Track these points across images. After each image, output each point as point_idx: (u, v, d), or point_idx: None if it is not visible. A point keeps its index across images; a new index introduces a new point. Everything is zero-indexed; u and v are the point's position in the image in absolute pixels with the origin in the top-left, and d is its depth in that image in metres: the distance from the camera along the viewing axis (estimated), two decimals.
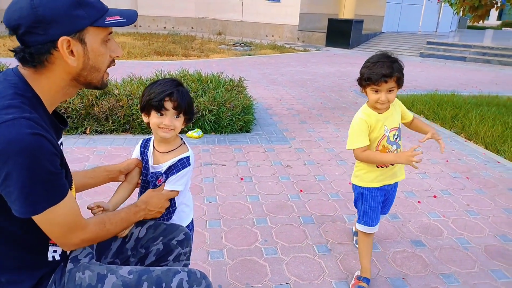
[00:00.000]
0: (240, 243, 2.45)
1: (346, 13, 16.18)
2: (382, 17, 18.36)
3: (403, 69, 1.87)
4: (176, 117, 1.48)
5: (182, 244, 1.49)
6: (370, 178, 2.03)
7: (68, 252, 1.26)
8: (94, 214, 1.40)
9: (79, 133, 4.18)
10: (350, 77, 8.90)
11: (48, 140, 1.00)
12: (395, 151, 1.99)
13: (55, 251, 1.20)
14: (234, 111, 4.53)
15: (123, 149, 3.86)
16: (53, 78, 1.09)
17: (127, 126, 4.33)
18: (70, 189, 1.13)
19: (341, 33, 15.61)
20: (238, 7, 18.67)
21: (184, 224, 1.62)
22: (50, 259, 1.20)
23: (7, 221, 1.05)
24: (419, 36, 17.56)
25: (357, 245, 2.39)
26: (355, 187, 2.12)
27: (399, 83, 1.86)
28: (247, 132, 4.59)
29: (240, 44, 14.26)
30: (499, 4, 6.89)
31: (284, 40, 17.32)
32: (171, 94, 1.44)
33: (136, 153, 1.63)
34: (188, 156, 1.53)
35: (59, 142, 1.14)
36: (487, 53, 13.36)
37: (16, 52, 1.05)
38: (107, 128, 4.26)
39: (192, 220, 1.72)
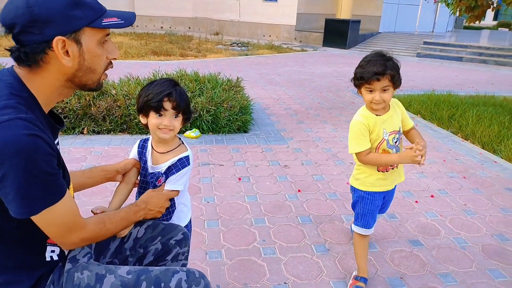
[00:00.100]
0: (238, 243, 2.45)
1: (343, 13, 16.24)
2: (379, 17, 18.41)
3: (398, 67, 1.83)
4: (175, 117, 1.48)
5: (180, 244, 1.49)
6: (371, 181, 2.00)
7: (66, 252, 1.25)
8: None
9: (76, 133, 4.16)
10: (347, 77, 8.88)
11: (44, 141, 0.99)
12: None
13: (53, 251, 1.20)
14: (231, 111, 4.52)
15: (120, 149, 3.85)
16: (48, 78, 1.08)
17: (125, 126, 4.32)
18: (68, 189, 1.13)
19: (338, 33, 15.65)
20: (235, 7, 18.67)
21: (183, 224, 1.62)
22: (48, 259, 1.19)
23: (4, 221, 1.05)
24: (416, 36, 17.62)
25: None
26: (354, 189, 2.08)
27: (394, 81, 1.81)
28: (245, 132, 4.59)
29: (238, 44, 14.26)
30: (495, 5, 6.93)
31: (281, 40, 17.34)
32: (169, 94, 1.43)
33: (133, 153, 1.63)
34: (188, 156, 1.53)
35: (55, 142, 1.14)
36: (483, 53, 13.42)
37: (12, 52, 1.05)
38: (104, 128, 4.25)
39: (190, 220, 1.72)
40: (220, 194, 3.06)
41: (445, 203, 3.11)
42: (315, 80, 8.51)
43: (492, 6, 6.80)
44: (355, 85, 1.90)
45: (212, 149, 4.00)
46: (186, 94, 1.52)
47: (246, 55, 12.27)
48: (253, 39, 17.37)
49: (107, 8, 1.14)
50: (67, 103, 4.15)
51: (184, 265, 1.53)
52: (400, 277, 2.21)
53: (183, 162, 1.51)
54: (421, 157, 1.78)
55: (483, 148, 4.46)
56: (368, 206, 2.03)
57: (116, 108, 4.29)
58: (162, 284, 1.21)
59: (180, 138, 1.61)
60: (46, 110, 1.12)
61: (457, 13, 6.90)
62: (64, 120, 3.71)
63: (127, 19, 1.13)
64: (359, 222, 2.06)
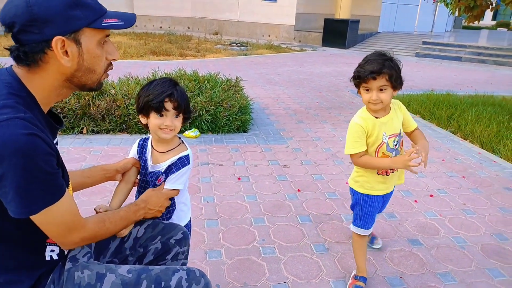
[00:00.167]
0: (238, 242, 2.45)
1: (342, 13, 16.24)
2: (378, 17, 18.42)
3: (398, 68, 1.79)
4: (176, 117, 1.48)
5: (180, 243, 1.49)
6: (371, 184, 1.97)
7: (66, 252, 1.25)
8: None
9: (75, 133, 4.16)
10: (347, 77, 8.91)
11: (43, 140, 0.99)
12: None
13: (52, 251, 1.20)
14: (231, 110, 4.52)
15: (120, 149, 3.85)
16: (47, 78, 1.08)
17: (124, 126, 4.32)
18: (67, 188, 1.13)
19: (337, 33, 15.65)
20: (234, 7, 18.66)
21: (182, 224, 1.62)
22: (48, 258, 1.19)
23: (4, 221, 1.05)
24: (415, 36, 17.64)
25: None
26: (353, 191, 2.05)
27: (392, 81, 1.77)
28: (244, 132, 4.59)
29: (237, 44, 14.26)
30: (494, 5, 6.94)
31: (281, 40, 17.34)
32: (171, 95, 1.43)
33: (133, 153, 1.63)
34: (188, 155, 1.53)
35: (54, 142, 1.14)
36: (482, 53, 13.43)
37: (11, 51, 1.05)
38: (103, 128, 4.24)
39: (190, 220, 1.72)
40: (220, 194, 3.06)
41: (444, 203, 3.11)
42: (314, 80, 8.51)
43: (491, 6, 6.81)
44: (355, 85, 1.88)
45: (212, 149, 4.00)
46: (186, 93, 1.52)
47: (245, 55, 12.27)
48: (252, 39, 17.37)
49: (106, 8, 1.13)
50: (66, 102, 4.14)
51: (184, 264, 1.53)
52: (400, 276, 2.22)
53: (183, 161, 1.51)
54: (422, 160, 1.77)
55: (482, 148, 4.47)
56: (368, 208, 2.02)
57: (116, 108, 4.29)
58: (163, 283, 1.21)
59: (180, 137, 1.61)
60: (45, 109, 1.12)
61: (456, 13, 6.91)
62: (63, 119, 3.72)
63: (128, 20, 1.13)
64: (358, 223, 2.05)
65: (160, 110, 1.43)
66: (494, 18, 39.45)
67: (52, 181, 1.03)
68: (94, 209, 1.42)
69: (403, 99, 6.20)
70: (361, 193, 2.01)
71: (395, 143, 1.91)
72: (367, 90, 1.81)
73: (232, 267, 2.22)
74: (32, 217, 1.03)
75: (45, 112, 1.12)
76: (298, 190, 3.20)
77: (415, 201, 3.11)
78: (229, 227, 2.61)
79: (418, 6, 20.38)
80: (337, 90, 7.43)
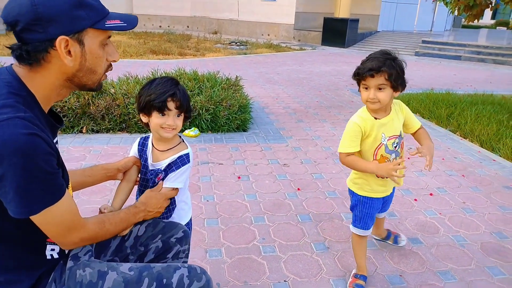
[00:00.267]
0: (238, 241, 2.45)
1: (342, 12, 16.24)
2: (378, 16, 18.42)
3: (400, 68, 1.74)
4: (178, 116, 1.48)
5: (181, 241, 1.50)
6: (371, 187, 1.95)
7: (66, 251, 1.25)
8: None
9: (75, 132, 4.16)
10: (346, 76, 8.92)
11: (44, 140, 0.99)
12: (394, 160, 1.89)
13: (53, 250, 1.20)
14: (230, 110, 4.52)
15: (119, 148, 3.85)
16: (48, 77, 1.08)
17: (124, 125, 4.32)
18: (67, 188, 1.13)
19: (336, 32, 15.65)
20: (233, 6, 18.65)
21: (183, 222, 1.63)
22: (48, 257, 1.19)
23: (4, 221, 1.05)
24: (414, 35, 17.64)
25: None
26: (352, 193, 2.03)
27: (391, 81, 1.72)
28: (244, 131, 4.59)
29: (236, 43, 14.25)
30: (493, 4, 6.95)
31: (280, 39, 17.33)
32: (174, 94, 1.44)
33: (133, 151, 1.63)
34: (188, 153, 1.54)
35: (54, 141, 1.14)
36: (481, 52, 13.44)
37: (13, 49, 1.05)
38: (103, 127, 4.24)
39: (191, 218, 1.73)
40: (220, 193, 3.07)
41: (444, 201, 3.12)
42: (314, 79, 8.51)
43: (490, 5, 6.81)
44: (357, 83, 1.85)
45: (212, 148, 4.00)
46: (187, 93, 1.53)
47: (245, 54, 12.26)
48: (251, 38, 17.36)
49: (108, 10, 1.14)
50: (66, 102, 4.14)
51: (185, 263, 1.53)
52: (400, 274, 2.22)
53: (183, 160, 1.52)
54: (426, 164, 1.77)
55: (481, 147, 4.47)
56: (367, 209, 2.00)
57: (115, 107, 4.29)
58: (164, 280, 1.21)
59: (180, 136, 1.61)
60: (45, 109, 1.12)
61: (456, 12, 6.91)
62: (63, 119, 3.71)
63: (130, 22, 1.14)
64: (357, 224, 2.04)
65: (162, 109, 1.43)
66: (493, 17, 39.48)
67: (53, 181, 1.03)
68: (99, 209, 1.43)
69: (403, 98, 6.20)
70: (360, 195, 1.99)
71: (394, 145, 1.88)
72: (366, 88, 1.78)
73: (233, 266, 2.22)
74: (32, 217, 1.03)
75: (46, 111, 1.12)
76: (298, 189, 3.20)
77: (415, 199, 3.12)
78: (229, 226, 2.62)
79: (417, 5, 20.39)
80: (336, 89, 7.43)
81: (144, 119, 1.51)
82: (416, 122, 1.98)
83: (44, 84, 1.09)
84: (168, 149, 1.54)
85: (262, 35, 18.00)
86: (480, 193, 3.29)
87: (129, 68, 7.52)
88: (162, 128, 1.47)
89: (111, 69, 1.20)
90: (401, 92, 1.81)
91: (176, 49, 11.78)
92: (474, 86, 8.31)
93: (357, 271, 2.14)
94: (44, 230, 1.07)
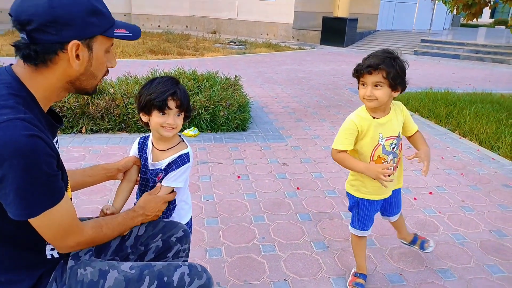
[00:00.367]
0: (238, 240, 2.45)
1: (341, 12, 16.23)
2: (376, 15, 18.42)
3: (401, 68, 1.71)
4: (178, 115, 1.49)
5: (181, 241, 1.50)
6: (368, 189, 1.92)
7: None
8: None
9: (74, 132, 4.16)
10: (345, 75, 8.93)
11: (44, 141, 0.99)
12: (391, 161, 1.87)
13: (52, 249, 1.20)
14: (230, 109, 4.53)
15: (119, 148, 3.85)
16: (51, 79, 1.09)
17: (123, 125, 4.32)
18: (66, 190, 1.13)
19: (335, 31, 15.64)
20: (232, 6, 18.64)
21: (183, 222, 1.63)
22: (49, 257, 1.19)
23: (3, 222, 1.05)
24: (413, 34, 17.65)
25: None
26: (350, 195, 2.01)
27: (389, 79, 1.69)
28: (243, 130, 4.60)
29: (235, 42, 14.25)
30: (492, 2, 6.95)
31: (279, 39, 17.33)
32: (174, 93, 1.44)
33: (133, 151, 1.63)
34: (188, 153, 1.54)
35: (54, 141, 1.14)
36: (480, 51, 13.46)
37: (19, 48, 1.05)
38: (102, 127, 4.24)
39: (191, 218, 1.73)
40: (219, 192, 3.07)
41: (443, 200, 3.12)
42: (313, 78, 8.52)
43: (489, 4, 6.82)
44: (358, 82, 1.83)
45: (211, 148, 4.00)
46: (187, 92, 1.53)
47: (244, 53, 12.26)
48: (250, 37, 17.36)
49: (113, 17, 1.17)
50: (65, 102, 4.14)
51: (185, 261, 1.54)
52: (399, 273, 2.23)
53: (183, 159, 1.52)
54: (423, 170, 1.78)
55: (480, 145, 4.48)
56: (365, 211, 1.98)
57: (115, 107, 4.29)
58: (165, 279, 1.22)
59: (180, 136, 1.61)
60: (45, 109, 1.12)
61: (454, 11, 6.91)
62: (62, 119, 3.71)
63: (134, 32, 1.18)
64: (355, 225, 2.03)
65: (163, 108, 1.44)
66: (492, 16, 39.50)
67: (53, 184, 1.03)
68: (102, 209, 1.44)
69: (402, 97, 6.21)
70: (356, 197, 1.97)
71: (392, 146, 1.85)
72: (364, 85, 1.76)
73: (232, 265, 2.22)
74: (31, 220, 1.02)
75: (45, 111, 1.12)
76: (298, 188, 3.20)
77: (414, 198, 3.12)
78: (229, 225, 2.62)
79: (416, 4, 20.38)
80: (335, 89, 7.44)
81: (144, 118, 1.51)
82: (413, 125, 1.97)
83: (46, 85, 1.09)
84: (168, 149, 1.54)
85: (261, 34, 18.00)
86: (479, 192, 3.30)
87: (128, 68, 7.51)
88: (163, 127, 1.47)
89: (107, 74, 1.23)
90: (401, 92, 1.78)
91: (175, 48, 11.77)
92: (473, 85, 8.32)
93: (357, 269, 2.14)
94: (42, 233, 1.07)
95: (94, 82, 1.18)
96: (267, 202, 2.96)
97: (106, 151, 3.77)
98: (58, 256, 1.22)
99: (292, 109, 5.78)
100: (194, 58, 10.74)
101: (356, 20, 16.11)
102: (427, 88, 7.21)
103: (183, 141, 1.59)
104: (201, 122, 4.42)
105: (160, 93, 1.43)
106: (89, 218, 1.44)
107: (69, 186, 1.23)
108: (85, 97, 4.25)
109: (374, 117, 1.83)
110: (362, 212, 1.99)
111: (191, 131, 4.30)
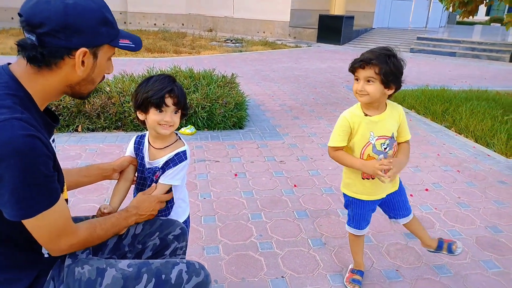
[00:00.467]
0: (235, 238, 2.46)
1: (337, 9, 16.21)
2: (373, 13, 18.42)
3: (396, 66, 1.68)
4: (175, 113, 1.49)
5: (178, 238, 1.50)
6: (358, 188, 1.92)
7: None
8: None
9: (70, 131, 4.14)
10: (342, 73, 8.93)
11: (42, 141, 0.99)
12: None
13: None
14: (227, 107, 4.52)
15: (115, 147, 3.84)
16: (52, 81, 1.10)
17: (119, 123, 4.31)
18: (62, 191, 1.13)
19: (332, 29, 15.64)
20: (229, 4, 18.59)
21: (181, 220, 1.63)
22: (46, 255, 1.19)
23: (0, 223, 1.04)
24: (409, 31, 17.67)
25: None
26: (344, 193, 2.01)
27: (382, 75, 1.66)
28: (240, 128, 4.60)
29: (231, 40, 14.22)
30: (488, 0, 6.97)
31: (275, 37, 17.31)
32: (171, 90, 1.44)
33: (130, 150, 1.63)
34: (185, 150, 1.54)
35: (51, 140, 1.14)
36: (476, 48, 13.50)
37: (24, 48, 1.05)
38: (99, 126, 4.23)
39: (188, 216, 1.73)
40: (217, 190, 3.07)
41: (439, 197, 3.14)
42: (309, 76, 8.52)
43: (485, 1, 6.84)
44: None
45: (208, 146, 4.00)
46: (184, 89, 1.53)
47: (240, 51, 12.24)
48: (247, 35, 17.32)
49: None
50: (61, 100, 4.12)
51: (183, 259, 1.54)
52: (396, 269, 2.24)
53: (180, 157, 1.52)
54: (388, 175, 1.71)
55: (476, 142, 4.51)
56: (359, 210, 1.98)
57: (111, 105, 4.27)
58: (163, 276, 1.22)
59: (177, 134, 1.61)
60: (41, 108, 1.12)
61: (450, 8, 6.92)
62: (59, 118, 3.69)
63: (137, 43, 1.22)
64: (351, 223, 2.03)
65: (160, 105, 1.44)
66: (487, 13, 39.63)
67: (50, 185, 1.03)
68: (99, 209, 1.43)
69: (398, 94, 6.23)
70: (349, 196, 1.98)
71: (384, 146, 1.81)
72: (357, 80, 1.74)
73: (230, 262, 2.23)
74: (25, 221, 1.02)
75: (41, 110, 1.12)
76: (295, 186, 3.21)
77: (411, 195, 3.14)
78: (226, 223, 2.62)
79: (412, 2, 20.41)
80: (332, 86, 7.45)
81: (141, 116, 1.51)
82: (406, 134, 1.91)
83: (46, 87, 1.10)
84: (165, 147, 1.54)
85: (258, 32, 17.97)
86: (475, 188, 3.32)
87: (124, 66, 7.48)
88: (160, 124, 1.47)
89: (103, 80, 1.25)
90: (395, 91, 1.75)
91: (171, 47, 11.74)
92: (469, 82, 8.35)
93: (354, 266, 2.15)
94: (36, 234, 1.06)
95: (92, 87, 1.20)
96: (264, 199, 2.96)
97: (103, 149, 3.76)
98: None
99: (289, 107, 5.79)
100: (190, 56, 10.72)
101: (352, 18, 16.12)
102: (423, 86, 7.23)
103: (179, 139, 1.59)
104: (198, 120, 4.42)
105: (157, 90, 1.43)
106: (86, 217, 1.44)
107: (65, 187, 1.22)
108: None
109: (366, 114, 1.81)
110: (355, 211, 1.99)
111: (188, 129, 4.30)
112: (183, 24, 20.05)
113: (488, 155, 4.10)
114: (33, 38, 1.02)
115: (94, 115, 4.22)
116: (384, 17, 19.21)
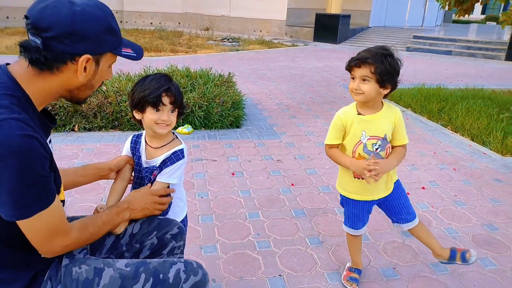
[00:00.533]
0: (233, 237, 2.46)
1: (333, 8, 16.22)
2: (369, 12, 18.45)
3: (392, 66, 1.66)
4: (172, 112, 1.48)
5: (176, 238, 1.50)
6: (350, 188, 1.92)
7: None
8: None
9: (67, 130, 4.13)
10: (338, 71, 8.95)
11: (39, 142, 0.99)
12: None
13: None
14: (224, 106, 4.52)
15: (112, 146, 3.83)
16: (52, 85, 1.10)
17: (116, 122, 4.29)
18: (59, 191, 1.13)
19: (328, 28, 15.66)
20: (225, 2, 18.56)
21: (179, 219, 1.63)
22: (43, 255, 1.19)
23: None
24: (406, 30, 17.71)
25: None
26: (339, 192, 2.02)
27: (377, 74, 1.64)
28: (237, 127, 4.60)
29: (228, 39, 14.20)
30: None
31: (272, 35, 17.30)
32: (168, 89, 1.44)
33: (126, 149, 1.62)
34: (182, 149, 1.54)
35: (47, 140, 1.14)
36: (472, 47, 13.55)
37: (28, 51, 1.04)
38: (95, 125, 4.22)
39: (186, 215, 1.73)
40: (214, 189, 3.07)
41: (436, 195, 3.16)
42: (306, 75, 8.53)
43: (480, 0, 6.86)
44: None
45: (205, 145, 4.00)
46: (180, 88, 1.53)
47: (237, 50, 12.23)
48: (243, 34, 17.31)
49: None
50: (57, 100, 4.10)
51: (181, 258, 1.54)
52: (393, 267, 2.25)
53: (178, 155, 1.52)
54: (371, 175, 1.69)
55: (472, 140, 4.53)
56: (353, 209, 1.98)
57: (107, 104, 4.26)
58: (161, 275, 1.22)
59: (174, 133, 1.61)
60: (39, 109, 1.12)
61: (446, 7, 6.94)
62: (55, 117, 3.68)
63: (138, 53, 1.23)
64: (347, 222, 2.04)
65: (157, 104, 1.43)
66: (483, 12, 39.78)
67: (46, 186, 1.03)
68: (96, 209, 1.43)
69: (394, 93, 6.24)
70: (343, 195, 1.98)
71: (376, 147, 1.79)
72: (353, 78, 1.74)
73: (228, 261, 2.23)
74: (20, 221, 1.01)
75: (39, 110, 1.12)
76: (292, 185, 3.22)
77: (408, 193, 3.11)
78: (224, 222, 2.62)
79: (408, 1, 20.46)
80: (329, 85, 7.46)
81: (137, 116, 1.51)
82: (402, 138, 1.84)
83: (45, 90, 1.10)
84: (162, 146, 1.54)
85: (254, 31, 17.96)
86: (471, 186, 3.33)
87: (121, 65, 7.44)
88: (157, 124, 1.46)
89: (102, 86, 1.25)
90: (390, 91, 1.73)
91: (167, 46, 11.71)
92: (464, 81, 8.38)
93: (351, 264, 2.16)
94: (29, 235, 1.06)
95: (90, 93, 1.21)
96: (262, 198, 2.96)
97: (99, 149, 3.75)
98: None
99: (286, 105, 5.79)
100: (187, 55, 10.70)
101: (349, 16, 16.14)
102: (420, 84, 7.25)
103: (177, 137, 1.59)
104: (195, 119, 4.41)
105: (154, 89, 1.42)
106: (82, 217, 1.43)
107: (62, 187, 1.22)
108: None
109: (359, 113, 1.80)
110: (350, 210, 2.00)
111: (185, 129, 4.29)
112: (179, 23, 20.00)
113: (484, 153, 4.12)
114: (38, 42, 1.02)
115: (91, 115, 4.20)
116: (380, 15, 19.24)
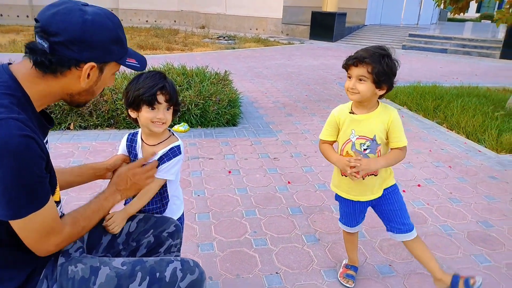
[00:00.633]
0: (230, 235, 2.46)
1: (329, 6, 16.27)
2: (365, 10, 18.47)
3: (389, 66, 1.64)
4: (167, 110, 1.48)
5: (172, 236, 1.50)
6: (338, 185, 1.92)
7: None
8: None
9: (62, 128, 4.10)
10: (334, 69, 8.96)
11: (37, 142, 0.99)
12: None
13: None
14: (220, 104, 4.51)
15: (108, 144, 3.81)
16: (54, 88, 1.10)
17: (112, 121, 4.28)
18: (54, 192, 1.13)
19: (324, 26, 15.68)
20: (221, 0, 18.52)
21: (175, 217, 1.63)
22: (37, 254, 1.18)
23: None
24: (401, 28, 17.76)
25: None
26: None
27: (373, 74, 1.63)
28: (234, 125, 4.59)
29: (224, 37, 14.18)
30: None
31: (268, 33, 17.29)
32: (163, 87, 1.43)
33: (122, 148, 1.62)
34: (179, 145, 1.53)
35: (44, 141, 1.13)
36: (467, 45, 13.62)
37: (34, 53, 1.04)
38: (91, 124, 4.20)
39: (183, 213, 1.73)
40: (211, 187, 3.07)
41: (431, 192, 3.17)
42: (302, 73, 8.53)
43: None
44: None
45: (201, 143, 3.99)
46: (175, 86, 1.52)
47: (233, 48, 12.21)
48: (239, 32, 17.28)
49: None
50: None
51: (177, 257, 1.54)
52: (389, 264, 2.26)
53: (174, 151, 1.51)
54: (353, 172, 1.69)
55: (467, 138, 4.55)
56: (344, 208, 1.98)
57: (103, 103, 4.24)
58: (157, 274, 1.22)
59: (170, 130, 1.60)
60: (38, 110, 1.12)
61: (442, 5, 6.96)
62: (51, 115, 3.66)
63: (142, 63, 1.24)
64: (341, 219, 2.05)
65: (152, 103, 1.43)
66: (478, 10, 39.98)
67: (41, 186, 1.02)
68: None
69: (391, 91, 6.25)
70: (335, 193, 1.99)
71: (364, 147, 1.77)
72: (350, 77, 1.73)
73: (225, 259, 2.23)
74: (13, 221, 1.01)
75: (38, 111, 1.12)
76: (289, 182, 3.22)
77: (403, 190, 3.16)
78: (221, 220, 2.62)
79: None
80: (325, 83, 7.46)
81: (133, 114, 1.50)
82: (398, 140, 1.76)
83: (46, 92, 1.10)
84: (158, 143, 1.54)
85: (250, 29, 17.93)
86: (466, 184, 3.35)
87: None
88: (153, 122, 1.46)
89: (102, 92, 1.25)
90: (386, 92, 1.71)
91: (163, 44, 11.68)
92: (460, 79, 8.42)
93: (348, 261, 2.17)
94: (22, 235, 1.05)
95: (90, 98, 1.22)
96: (258, 196, 2.97)
97: (95, 147, 3.73)
98: None
99: (282, 103, 5.79)
100: (183, 53, 10.67)
101: (344, 14, 16.16)
102: (415, 82, 7.27)
103: (173, 134, 1.59)
104: (191, 117, 4.40)
105: (148, 87, 1.41)
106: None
107: (57, 188, 1.21)
108: None
109: (352, 112, 1.80)
110: (342, 208, 2.01)
111: (181, 127, 4.28)
112: (175, 21, 19.93)
113: (479, 151, 4.15)
114: (45, 45, 1.02)
115: (86, 113, 4.18)
116: (376, 14, 19.27)
